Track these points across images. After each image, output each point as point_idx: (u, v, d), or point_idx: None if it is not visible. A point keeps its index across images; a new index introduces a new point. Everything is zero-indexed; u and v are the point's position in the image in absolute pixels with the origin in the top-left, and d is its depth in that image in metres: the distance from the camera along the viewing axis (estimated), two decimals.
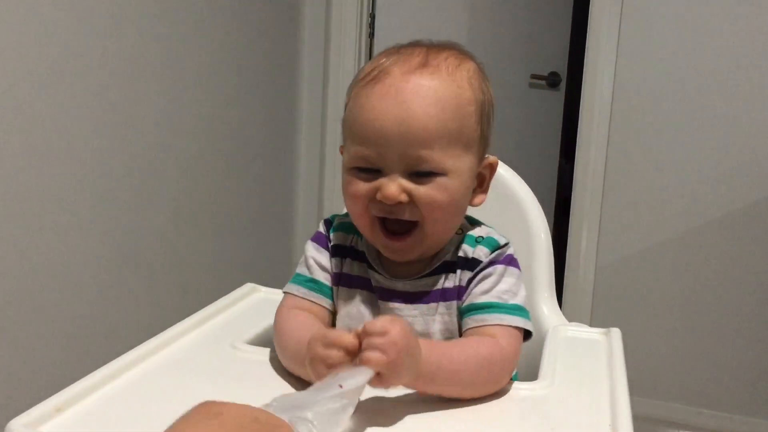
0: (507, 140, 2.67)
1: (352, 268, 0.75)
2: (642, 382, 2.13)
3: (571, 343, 0.79)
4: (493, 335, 0.67)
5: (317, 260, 0.76)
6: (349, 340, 0.57)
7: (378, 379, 0.56)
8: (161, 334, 0.74)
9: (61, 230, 1.45)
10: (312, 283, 0.75)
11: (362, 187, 0.68)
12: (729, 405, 2.11)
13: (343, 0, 2.41)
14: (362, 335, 0.57)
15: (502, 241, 0.73)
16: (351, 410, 0.52)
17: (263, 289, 0.93)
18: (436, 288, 0.72)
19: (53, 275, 1.45)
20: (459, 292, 0.71)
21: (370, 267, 0.74)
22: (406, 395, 0.63)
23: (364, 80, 0.68)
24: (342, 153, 0.72)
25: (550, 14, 2.79)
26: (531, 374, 0.72)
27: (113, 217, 1.60)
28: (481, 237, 0.73)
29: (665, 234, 2.14)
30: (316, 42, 2.45)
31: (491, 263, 0.71)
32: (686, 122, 2.08)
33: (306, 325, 0.69)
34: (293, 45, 2.39)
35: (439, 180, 0.66)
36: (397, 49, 0.70)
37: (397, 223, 0.68)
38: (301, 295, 0.74)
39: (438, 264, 0.72)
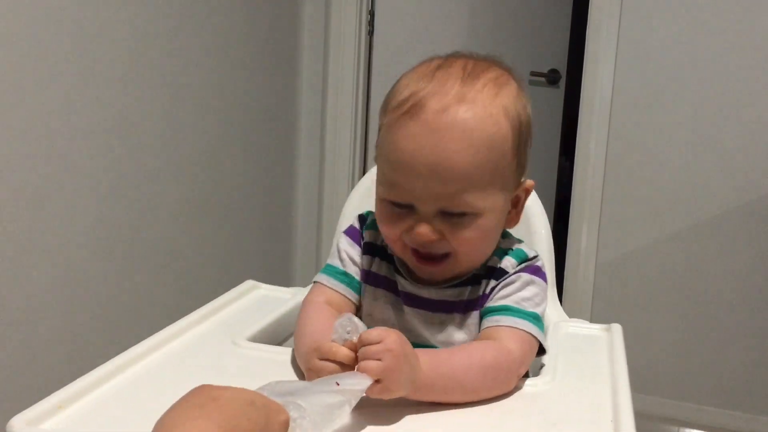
0: None
1: (380, 268, 0.76)
2: (642, 378, 2.13)
3: (573, 339, 0.79)
4: (503, 338, 0.66)
5: (349, 254, 0.77)
6: (344, 353, 0.58)
7: (377, 387, 0.56)
8: (162, 331, 0.74)
9: (62, 228, 1.45)
10: (344, 276, 0.76)
11: (395, 221, 0.68)
12: (729, 401, 2.11)
13: None
14: (358, 345, 0.58)
15: (531, 254, 0.73)
16: (347, 410, 0.52)
17: (264, 286, 0.93)
18: (461, 298, 0.72)
19: (54, 273, 1.45)
20: (482, 300, 0.71)
21: (397, 271, 0.75)
22: None
23: (398, 110, 0.66)
24: (376, 162, 0.71)
25: (550, 11, 2.79)
26: (532, 370, 0.72)
27: (114, 215, 1.60)
28: (510, 249, 0.73)
29: (665, 231, 2.14)
30: (315, 39, 2.44)
31: (517, 272, 0.71)
32: (686, 119, 2.08)
33: (326, 326, 0.68)
34: (293, 42, 2.39)
35: (473, 220, 0.66)
36: (434, 70, 0.67)
37: (430, 253, 0.69)
38: (331, 287, 0.75)
39: (467, 276, 0.72)
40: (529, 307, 0.69)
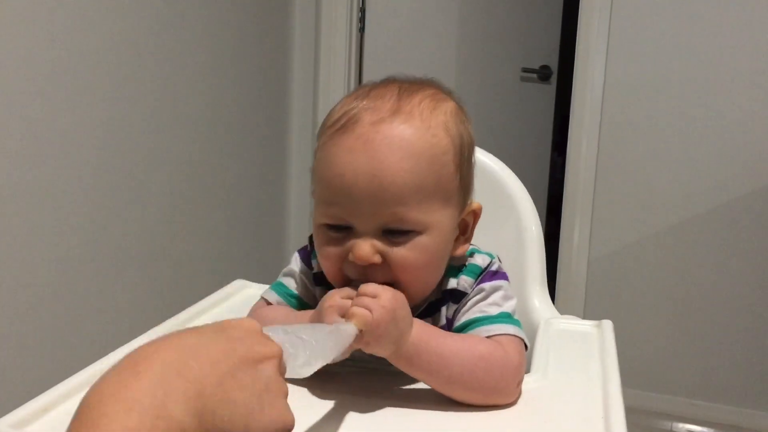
0: (499, 134, 2.67)
1: None
2: (636, 373, 2.13)
3: (563, 336, 0.79)
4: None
5: (303, 279, 0.72)
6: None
7: (359, 338, 0.55)
8: (150, 331, 0.73)
9: (50, 228, 1.44)
10: (294, 300, 0.71)
11: (333, 248, 0.62)
12: (722, 396, 2.12)
13: None
14: (356, 296, 0.58)
15: (485, 263, 0.69)
16: (336, 353, 0.52)
17: (253, 285, 0.93)
18: None
19: (40, 274, 1.43)
20: (448, 327, 0.68)
21: None
22: (397, 385, 0.63)
23: (332, 128, 0.62)
24: (313, 197, 0.66)
25: (541, 7, 2.79)
26: None
27: (104, 215, 1.59)
28: (463, 266, 0.69)
29: (657, 227, 2.14)
30: (306, 37, 2.44)
31: (475, 287, 0.68)
32: (677, 115, 2.08)
33: (292, 313, 0.67)
34: (284, 40, 2.38)
35: (417, 239, 0.61)
36: (368, 90, 0.64)
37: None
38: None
39: (424, 307, 0.68)
40: (494, 311, 0.66)
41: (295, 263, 0.73)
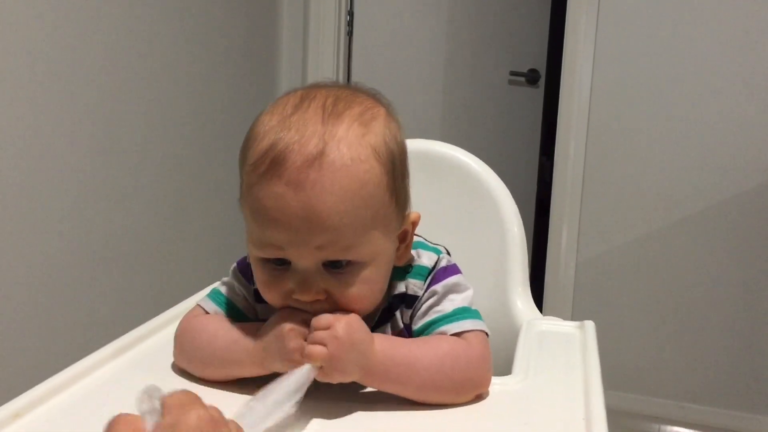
0: (486, 138, 2.68)
1: None
2: (623, 376, 2.13)
3: (545, 337, 0.79)
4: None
5: (243, 293, 0.70)
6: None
7: (322, 373, 0.56)
8: (131, 332, 0.73)
9: (37, 227, 1.43)
10: (232, 311, 0.68)
11: (275, 284, 0.61)
12: (710, 398, 2.12)
13: None
14: (310, 329, 0.57)
15: (431, 262, 0.68)
16: (295, 398, 0.53)
17: None
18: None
19: (25, 273, 1.42)
20: (408, 331, 0.68)
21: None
22: (372, 391, 0.62)
23: (258, 168, 0.58)
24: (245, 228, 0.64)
25: (529, 11, 2.80)
26: (505, 368, 0.72)
27: (91, 212, 1.57)
28: (410, 266, 0.68)
29: (644, 229, 2.15)
30: (294, 41, 2.43)
31: (427, 289, 0.67)
32: (664, 119, 2.09)
33: (233, 330, 0.64)
34: (272, 43, 2.37)
35: (359, 272, 0.60)
36: (290, 113, 0.60)
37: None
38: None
39: (378, 316, 0.67)
40: (449, 308, 0.65)
41: (234, 276, 0.71)
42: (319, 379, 0.56)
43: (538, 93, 2.86)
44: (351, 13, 2.51)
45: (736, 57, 2.00)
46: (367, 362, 0.58)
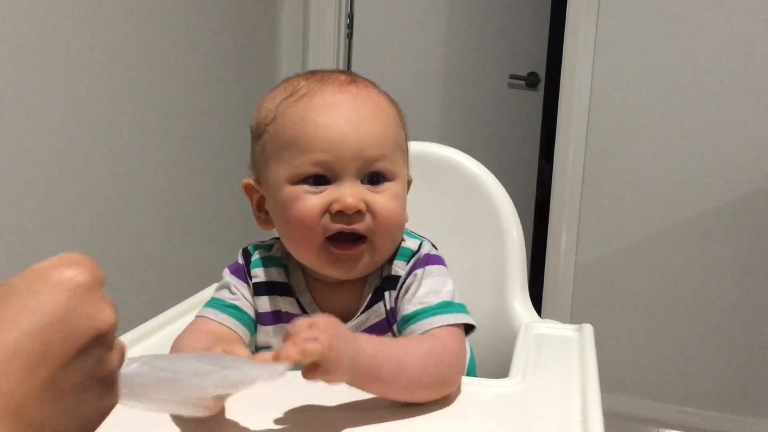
0: (486, 141, 2.68)
1: (283, 304, 0.71)
2: (622, 379, 2.13)
3: (543, 340, 0.79)
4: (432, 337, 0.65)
5: (240, 290, 0.71)
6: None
7: (317, 371, 0.52)
8: (127, 334, 0.73)
9: (36, 228, 1.43)
10: (234, 310, 0.69)
11: (313, 201, 0.63)
12: (708, 402, 2.12)
13: (321, 0, 2.40)
14: (284, 338, 0.53)
15: (415, 246, 0.71)
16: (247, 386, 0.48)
17: None
18: (372, 322, 0.70)
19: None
20: (393, 316, 0.69)
21: (303, 310, 0.71)
22: (366, 398, 0.62)
23: (292, 97, 0.66)
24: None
25: (529, 14, 2.80)
26: (503, 371, 0.72)
27: (90, 214, 1.57)
28: (397, 249, 0.70)
29: (644, 232, 2.15)
30: (294, 44, 2.43)
31: (410, 273, 0.69)
32: (663, 122, 2.09)
33: (206, 343, 0.62)
34: (271, 46, 2.38)
35: (390, 187, 0.66)
36: (307, 76, 0.69)
37: (353, 231, 0.65)
38: (219, 320, 0.68)
39: (369, 295, 0.69)
40: (434, 300, 0.66)
41: (229, 278, 0.72)
42: (311, 378, 0.52)
43: (538, 96, 2.87)
44: (351, 15, 2.51)
45: (736, 62, 2.00)
46: (358, 356, 0.55)
